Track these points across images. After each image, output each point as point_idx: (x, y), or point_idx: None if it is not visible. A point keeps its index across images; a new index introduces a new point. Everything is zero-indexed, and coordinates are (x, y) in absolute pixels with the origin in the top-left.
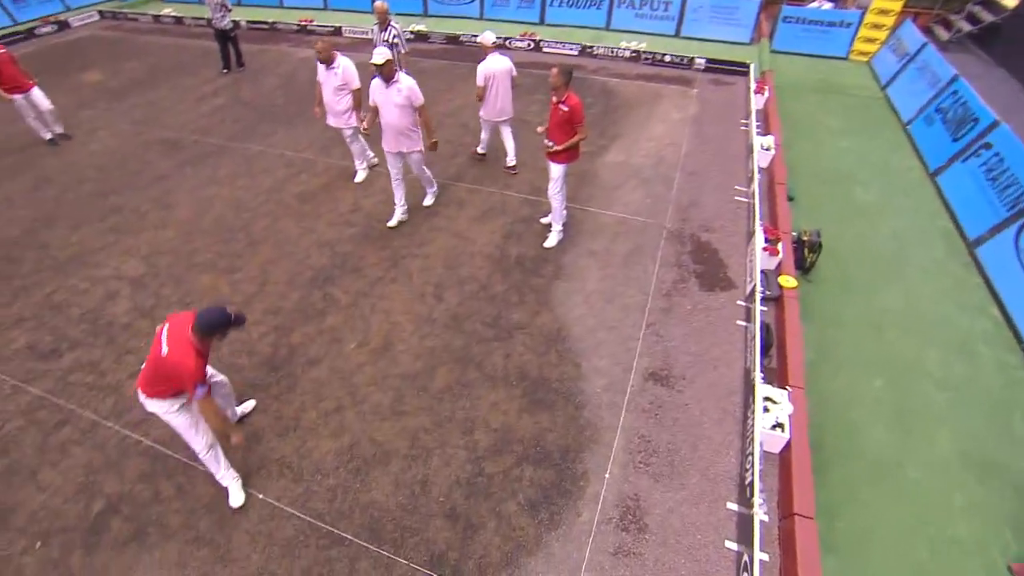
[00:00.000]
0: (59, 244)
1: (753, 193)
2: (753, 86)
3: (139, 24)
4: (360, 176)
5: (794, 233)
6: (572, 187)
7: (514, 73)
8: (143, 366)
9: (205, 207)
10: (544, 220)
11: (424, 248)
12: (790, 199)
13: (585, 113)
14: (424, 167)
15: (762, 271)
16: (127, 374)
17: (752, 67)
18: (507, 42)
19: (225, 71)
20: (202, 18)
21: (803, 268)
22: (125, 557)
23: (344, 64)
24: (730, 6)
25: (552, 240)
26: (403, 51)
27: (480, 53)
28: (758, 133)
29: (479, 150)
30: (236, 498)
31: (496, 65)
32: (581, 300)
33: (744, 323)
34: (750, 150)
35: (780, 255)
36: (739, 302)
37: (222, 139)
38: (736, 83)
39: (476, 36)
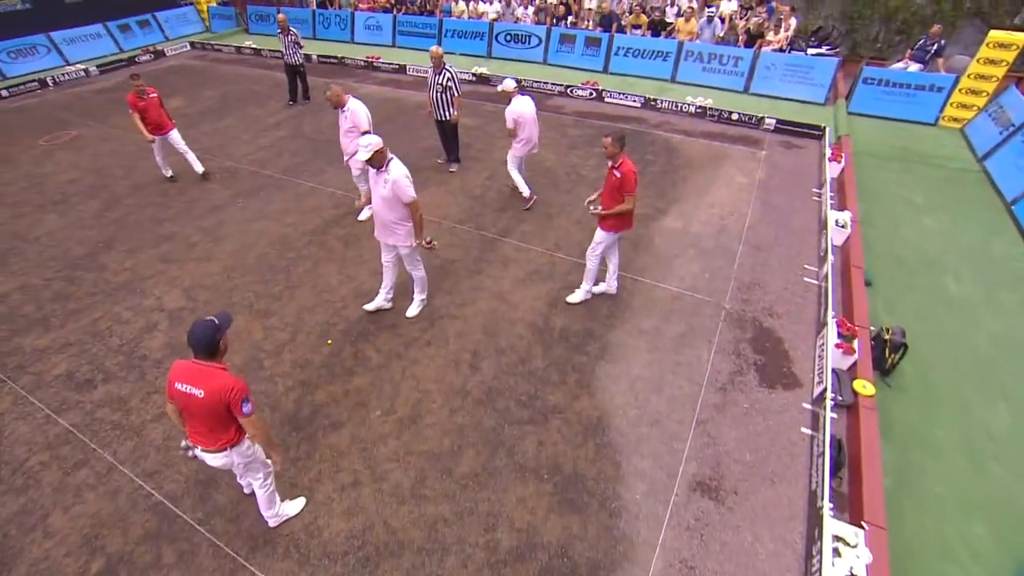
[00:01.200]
0: (115, 268)
1: (825, 275)
2: (828, 152)
3: (222, 55)
4: (364, 215)
5: (872, 328)
6: (625, 253)
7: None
8: (190, 430)
9: (251, 242)
10: (596, 289)
11: (464, 309)
12: (867, 284)
13: (638, 181)
14: (417, 266)
15: (834, 371)
16: (150, 416)
17: (827, 131)
18: (568, 90)
19: (291, 103)
20: (278, 50)
21: (882, 370)
22: None
23: (353, 108)
24: (805, 65)
25: (576, 296)
26: (457, 95)
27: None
28: (832, 206)
29: (526, 197)
30: (295, 506)
31: (524, 107)
32: (626, 386)
33: (810, 431)
34: (823, 225)
35: (856, 355)
36: (805, 405)
37: (277, 172)
38: (808, 147)
39: (536, 82)
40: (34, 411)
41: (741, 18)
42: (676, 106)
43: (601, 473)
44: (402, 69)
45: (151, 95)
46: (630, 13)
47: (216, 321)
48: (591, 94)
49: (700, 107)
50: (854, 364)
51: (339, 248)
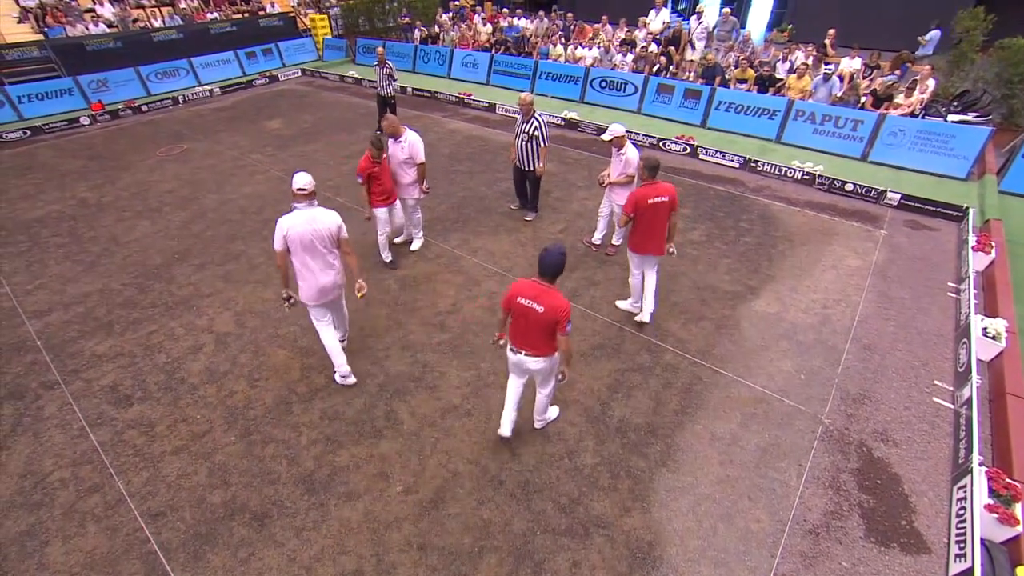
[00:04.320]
0: (181, 281)
1: (967, 400)
2: (972, 238)
3: (327, 82)
4: (416, 244)
5: None
6: (706, 337)
7: None
8: (521, 339)
9: None
10: (635, 308)
11: None
12: None
13: (633, 210)
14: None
15: (983, 544)
16: (171, 447)
17: (970, 212)
18: (661, 143)
19: (379, 132)
20: (375, 80)
21: None
22: None
23: (411, 139)
24: (943, 132)
25: (623, 303)
26: (543, 146)
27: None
28: (976, 308)
29: (614, 241)
30: (555, 411)
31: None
32: (689, 506)
33: None
34: (963, 331)
35: (1019, 527)
36: None
37: (350, 200)
38: (943, 230)
39: (627, 131)
40: (73, 420)
41: (865, 77)
42: (779, 170)
43: None
44: (492, 108)
45: (386, 156)
46: (736, 67)
47: (564, 250)
48: (685, 149)
49: (808, 173)
50: (1015, 539)
51: (394, 289)
